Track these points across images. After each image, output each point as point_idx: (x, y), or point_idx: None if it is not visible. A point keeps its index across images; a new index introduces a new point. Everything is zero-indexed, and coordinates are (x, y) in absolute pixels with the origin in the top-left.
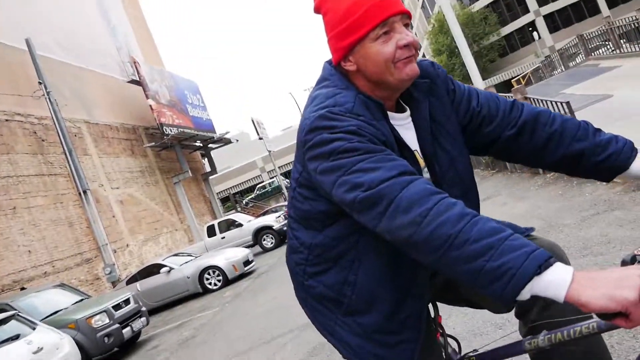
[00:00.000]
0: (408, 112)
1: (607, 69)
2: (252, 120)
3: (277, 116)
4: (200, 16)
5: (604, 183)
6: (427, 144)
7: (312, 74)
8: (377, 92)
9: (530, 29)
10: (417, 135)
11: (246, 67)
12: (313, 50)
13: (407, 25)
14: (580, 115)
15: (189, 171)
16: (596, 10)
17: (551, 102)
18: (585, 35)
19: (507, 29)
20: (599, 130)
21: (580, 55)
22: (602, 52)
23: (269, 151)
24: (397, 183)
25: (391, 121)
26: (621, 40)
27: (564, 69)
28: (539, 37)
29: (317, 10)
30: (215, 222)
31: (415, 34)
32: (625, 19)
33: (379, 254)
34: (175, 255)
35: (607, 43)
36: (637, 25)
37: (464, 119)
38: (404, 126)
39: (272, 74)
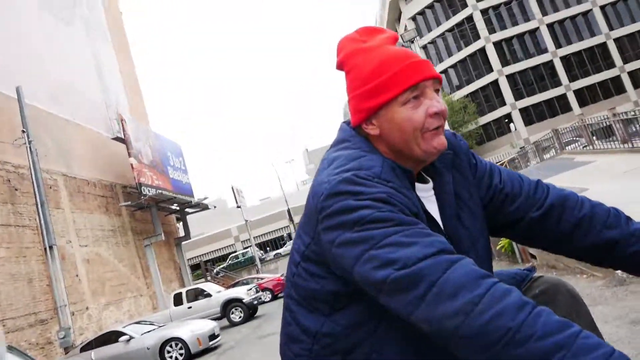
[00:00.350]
0: (431, 184)
1: (582, 164)
2: (232, 188)
3: (256, 186)
4: (193, 77)
5: (584, 276)
6: (450, 221)
7: (295, 148)
8: (400, 162)
9: (507, 120)
10: (440, 211)
11: (231, 134)
12: (299, 126)
13: (438, 91)
14: None
15: (162, 234)
16: (568, 108)
17: None
18: (559, 130)
19: (485, 119)
20: (630, 218)
21: (555, 148)
22: (575, 147)
23: (246, 220)
24: (439, 262)
25: (417, 192)
26: (593, 137)
27: (539, 160)
28: (515, 129)
29: (339, 66)
30: (183, 291)
31: None
32: (597, 117)
33: (404, 346)
34: (137, 322)
35: (578, 139)
36: (608, 124)
37: (485, 196)
38: (427, 199)
39: (256, 143)
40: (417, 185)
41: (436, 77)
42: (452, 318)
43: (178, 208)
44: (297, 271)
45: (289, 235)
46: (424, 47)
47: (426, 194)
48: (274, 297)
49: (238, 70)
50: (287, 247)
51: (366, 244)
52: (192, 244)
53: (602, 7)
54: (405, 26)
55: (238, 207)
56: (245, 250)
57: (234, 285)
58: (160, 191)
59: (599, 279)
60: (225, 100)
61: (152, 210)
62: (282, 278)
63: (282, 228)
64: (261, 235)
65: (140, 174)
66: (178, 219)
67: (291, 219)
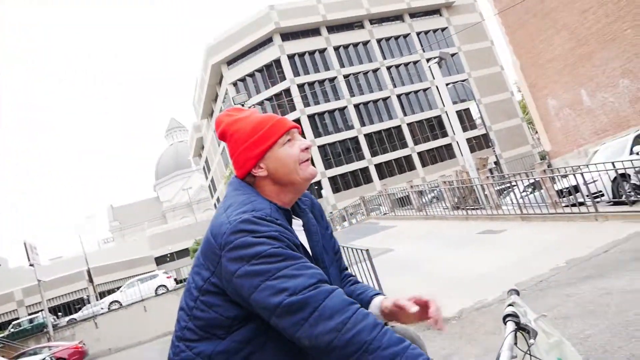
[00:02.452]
0: (301, 221)
1: (386, 227)
2: (25, 244)
3: (46, 244)
4: None
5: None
6: (318, 247)
7: (96, 203)
8: (282, 196)
9: (317, 187)
10: (308, 240)
11: (22, 183)
12: (101, 182)
13: (301, 135)
14: (375, 263)
15: None
16: (370, 179)
17: (353, 249)
18: (365, 197)
19: None
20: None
21: (362, 213)
22: (378, 213)
23: (39, 280)
24: (321, 292)
25: (293, 226)
26: (393, 206)
27: (349, 224)
28: (324, 195)
29: (222, 136)
30: None
31: (212, 177)
32: (396, 188)
33: (285, 356)
34: None
35: (379, 206)
36: (407, 194)
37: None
38: (299, 232)
39: (47, 196)
40: (294, 220)
41: (297, 127)
42: (328, 334)
43: None
44: (195, 305)
45: (88, 298)
46: None
47: (298, 227)
48: None
49: (37, 115)
50: (86, 312)
51: (262, 276)
52: None
53: (399, 96)
54: (227, 90)
55: (31, 265)
56: (33, 316)
57: (19, 357)
58: None
59: (411, 325)
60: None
61: None
62: (81, 345)
63: (79, 290)
64: (54, 298)
65: None
66: None
67: (91, 280)
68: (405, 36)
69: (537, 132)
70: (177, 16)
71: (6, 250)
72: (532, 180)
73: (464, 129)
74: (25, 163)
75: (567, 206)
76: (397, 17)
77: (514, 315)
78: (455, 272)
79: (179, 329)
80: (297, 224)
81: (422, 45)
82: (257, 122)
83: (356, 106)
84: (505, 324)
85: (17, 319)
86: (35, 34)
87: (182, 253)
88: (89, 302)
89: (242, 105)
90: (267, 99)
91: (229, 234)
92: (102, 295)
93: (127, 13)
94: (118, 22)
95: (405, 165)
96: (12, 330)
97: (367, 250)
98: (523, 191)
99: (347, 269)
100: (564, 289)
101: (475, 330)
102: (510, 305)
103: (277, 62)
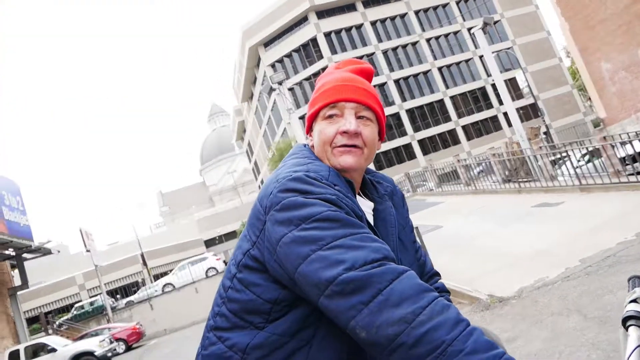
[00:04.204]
0: (372, 205)
1: (433, 204)
2: (80, 231)
3: (102, 230)
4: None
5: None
6: (393, 242)
7: (147, 189)
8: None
9: None
10: (382, 230)
11: (75, 175)
12: (152, 168)
13: (363, 118)
14: (425, 240)
15: None
16: (412, 156)
17: None
18: (410, 174)
19: None
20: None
21: (407, 190)
22: (424, 190)
23: (96, 265)
24: (387, 271)
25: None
26: (440, 182)
27: None
28: None
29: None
30: (21, 347)
31: (256, 160)
32: (443, 162)
33: (339, 353)
34: None
35: (424, 183)
36: (454, 169)
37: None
38: (367, 214)
39: (102, 184)
40: (359, 198)
41: (358, 101)
42: (394, 325)
43: (14, 253)
44: (232, 284)
45: (143, 281)
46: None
47: (366, 209)
48: (129, 348)
49: (86, 107)
50: (142, 294)
51: (314, 244)
52: (29, 294)
53: (439, 69)
54: (265, 72)
55: (88, 251)
56: (93, 299)
57: (81, 338)
58: None
59: (465, 306)
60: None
61: None
62: (138, 327)
63: (135, 274)
64: (111, 282)
65: None
66: (13, 266)
67: (145, 263)
68: (444, 6)
69: (589, 98)
70: (213, 2)
71: (67, 238)
72: (589, 149)
73: (511, 99)
74: (82, 157)
75: (631, 174)
76: None
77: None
78: (510, 249)
79: (211, 316)
80: (365, 205)
81: (462, 14)
82: (321, 83)
83: (396, 81)
84: (626, 328)
85: (80, 301)
86: (93, 28)
87: (230, 235)
88: (144, 285)
89: (280, 83)
90: (305, 79)
91: (276, 193)
92: (156, 277)
93: (168, 7)
94: (160, 16)
95: (449, 139)
96: (75, 312)
97: (415, 227)
98: (578, 161)
99: (437, 274)
100: (637, 265)
101: (539, 311)
102: (634, 301)
103: (314, 40)
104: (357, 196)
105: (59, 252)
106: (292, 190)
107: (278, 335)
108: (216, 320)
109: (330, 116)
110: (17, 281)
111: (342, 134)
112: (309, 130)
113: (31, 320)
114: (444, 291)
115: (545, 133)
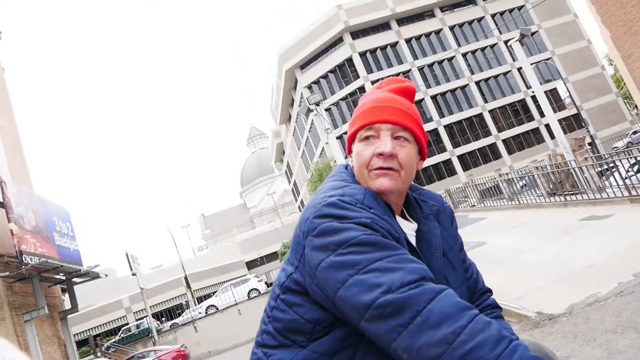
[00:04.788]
0: (415, 226)
1: (476, 220)
2: (127, 254)
3: (145, 253)
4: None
5: None
6: (438, 263)
7: (189, 212)
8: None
9: None
10: (425, 251)
11: (122, 198)
12: (194, 191)
13: (400, 139)
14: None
15: (45, 307)
16: (453, 172)
17: None
18: (451, 190)
19: None
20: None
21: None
22: (465, 206)
23: (142, 288)
24: (425, 292)
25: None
26: (482, 197)
27: None
28: None
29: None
30: None
31: (295, 181)
32: (484, 177)
33: None
34: None
35: (466, 199)
36: (495, 183)
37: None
38: (410, 235)
39: (146, 209)
40: (400, 219)
41: (394, 122)
42: (435, 347)
43: (64, 278)
44: (276, 304)
45: (187, 303)
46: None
47: (410, 232)
48: None
49: (130, 131)
50: (186, 316)
51: (352, 268)
52: (78, 318)
53: (477, 83)
54: (302, 94)
55: (133, 274)
56: (139, 322)
57: None
58: (44, 259)
59: (514, 324)
60: (116, 164)
61: (33, 281)
62: (183, 349)
63: (179, 296)
64: (156, 304)
65: (22, 241)
66: (63, 290)
67: (188, 286)
68: (479, 20)
69: (636, 106)
70: (248, 25)
71: (113, 261)
72: (637, 158)
73: (553, 111)
74: (127, 181)
75: None
76: (468, 1)
77: None
78: (558, 264)
79: (259, 333)
80: (407, 227)
81: (497, 27)
82: (360, 103)
83: (433, 97)
84: None
85: (127, 324)
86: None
87: (271, 257)
88: (187, 307)
89: (317, 104)
90: (342, 99)
91: (312, 219)
92: (199, 300)
93: (204, 32)
94: (200, 44)
95: (490, 154)
96: (122, 335)
97: (461, 243)
98: (627, 171)
99: (488, 291)
100: None
101: (592, 329)
102: None
103: (349, 60)
104: (399, 217)
105: (106, 275)
106: (327, 215)
107: (319, 354)
108: (263, 338)
109: (367, 137)
110: (67, 305)
111: (378, 155)
112: (349, 151)
113: (80, 343)
114: (495, 307)
115: (589, 144)
